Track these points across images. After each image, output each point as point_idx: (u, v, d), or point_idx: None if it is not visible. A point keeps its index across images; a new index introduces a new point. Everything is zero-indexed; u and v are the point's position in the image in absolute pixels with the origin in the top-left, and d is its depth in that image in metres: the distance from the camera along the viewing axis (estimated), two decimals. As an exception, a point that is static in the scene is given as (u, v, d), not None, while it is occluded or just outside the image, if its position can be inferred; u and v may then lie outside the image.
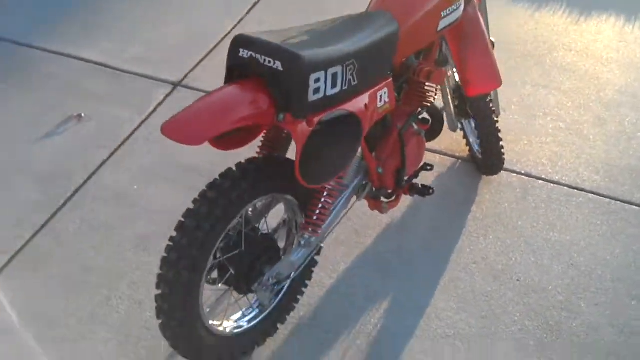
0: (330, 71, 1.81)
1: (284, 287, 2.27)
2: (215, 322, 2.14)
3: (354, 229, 2.78)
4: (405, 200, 2.94)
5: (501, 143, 3.08)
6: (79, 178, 2.94)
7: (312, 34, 1.91)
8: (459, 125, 2.94)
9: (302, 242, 2.12)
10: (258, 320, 2.25)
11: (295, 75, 1.73)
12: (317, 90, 1.79)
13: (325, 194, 2.11)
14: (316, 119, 1.84)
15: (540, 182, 3.09)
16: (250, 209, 2.09)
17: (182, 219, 1.86)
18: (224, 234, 1.90)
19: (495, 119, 2.84)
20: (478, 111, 2.78)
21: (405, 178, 2.46)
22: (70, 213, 2.77)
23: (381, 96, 2.08)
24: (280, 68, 1.73)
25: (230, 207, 1.86)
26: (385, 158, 2.32)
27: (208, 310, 2.12)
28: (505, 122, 3.33)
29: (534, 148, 3.28)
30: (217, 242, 1.89)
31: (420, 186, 2.46)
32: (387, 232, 2.79)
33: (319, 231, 2.13)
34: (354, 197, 2.36)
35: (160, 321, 1.93)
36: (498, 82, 2.53)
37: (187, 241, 1.84)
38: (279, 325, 2.32)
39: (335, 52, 1.84)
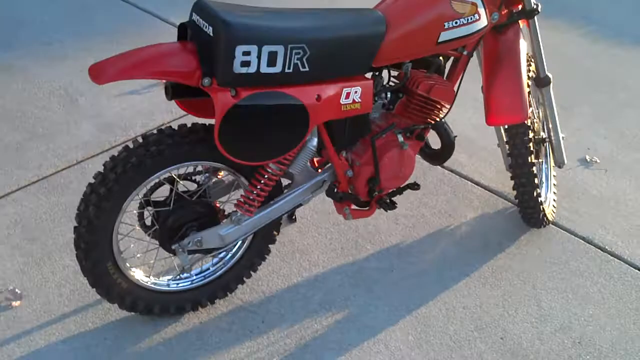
0: (267, 48, 1.79)
1: (225, 259, 2.26)
2: (136, 271, 2.15)
3: (355, 240, 2.66)
4: (424, 227, 2.75)
5: (549, 194, 2.77)
6: (132, 133, 3.16)
7: (274, 15, 1.89)
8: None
9: (233, 218, 2.09)
10: (187, 284, 2.24)
11: (221, 42, 1.74)
12: (245, 63, 1.77)
13: (266, 176, 2.06)
14: (246, 93, 1.82)
15: (601, 252, 2.72)
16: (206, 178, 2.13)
17: (106, 162, 1.95)
18: (136, 190, 1.95)
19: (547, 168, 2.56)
20: (512, 148, 2.51)
21: (389, 191, 2.32)
22: (104, 160, 2.98)
23: (348, 94, 2.00)
24: (211, 34, 1.76)
25: (142, 166, 1.92)
26: (358, 163, 2.21)
27: (139, 256, 2.17)
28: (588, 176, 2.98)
29: (611, 215, 2.89)
30: (128, 194, 1.94)
31: (387, 201, 2.29)
32: (387, 251, 2.62)
33: (252, 211, 2.09)
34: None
35: (76, 253, 2.03)
36: (522, 116, 2.27)
37: (102, 184, 1.92)
38: (217, 299, 2.29)
39: (276, 32, 1.80)
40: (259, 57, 1.79)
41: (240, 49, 1.76)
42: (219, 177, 2.18)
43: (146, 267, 2.25)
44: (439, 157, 2.38)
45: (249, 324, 2.28)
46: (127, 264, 2.11)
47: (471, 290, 2.49)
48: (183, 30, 1.87)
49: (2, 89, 3.42)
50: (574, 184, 3.11)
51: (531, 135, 2.48)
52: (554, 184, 2.92)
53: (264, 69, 1.81)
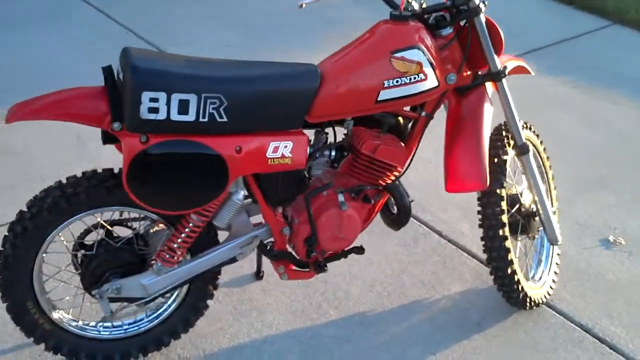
0: (177, 96, 1.76)
1: (159, 312, 2.19)
2: (60, 313, 2.11)
3: (319, 303, 2.49)
4: (400, 297, 2.56)
5: (547, 274, 2.53)
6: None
7: (195, 63, 1.87)
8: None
9: (154, 268, 2.03)
10: (120, 333, 2.17)
11: (128, 87, 1.74)
12: (154, 110, 1.75)
13: (186, 227, 2.00)
14: (156, 140, 1.80)
15: (598, 344, 2.44)
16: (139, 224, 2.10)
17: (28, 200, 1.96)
18: (55, 231, 1.94)
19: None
20: (483, 219, 2.31)
21: (332, 253, 2.19)
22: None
23: (277, 147, 1.92)
24: (122, 79, 1.77)
25: (56, 208, 1.90)
26: (297, 221, 2.09)
27: (67, 299, 2.18)
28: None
29: (622, 303, 2.59)
30: (45, 234, 1.93)
31: (320, 264, 2.15)
32: (351, 319, 2.44)
33: (172, 262, 2.02)
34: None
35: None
36: (479, 185, 2.10)
37: (19, 222, 1.92)
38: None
39: (188, 80, 1.78)
40: (167, 105, 1.76)
41: (147, 95, 1.74)
42: (160, 226, 2.14)
43: (75, 310, 2.21)
44: (394, 222, 2.23)
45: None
46: (51, 305, 2.08)
47: (439, 369, 2.28)
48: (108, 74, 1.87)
49: None
50: (587, 265, 2.81)
51: (504, 206, 2.27)
52: (557, 263, 2.66)
53: (175, 116, 1.78)
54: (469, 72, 2.15)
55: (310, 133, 2.06)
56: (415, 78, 1.97)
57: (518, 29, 4.82)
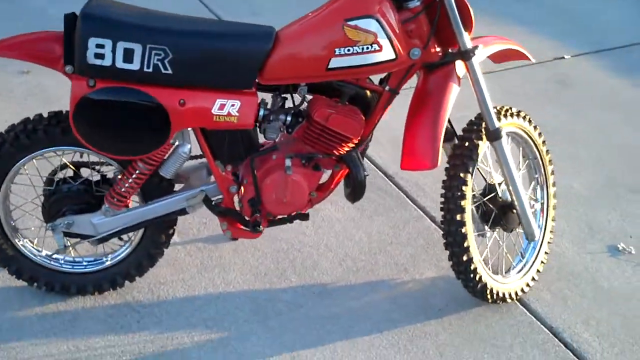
0: (122, 44, 1.86)
1: (116, 253, 2.31)
2: (24, 241, 2.27)
3: (284, 269, 2.52)
4: (368, 275, 2.54)
5: (527, 269, 2.45)
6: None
7: (145, 15, 1.96)
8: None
9: (103, 209, 2.15)
10: (80, 268, 2.31)
11: (77, 34, 1.87)
12: (99, 56, 1.87)
13: (133, 173, 2.10)
14: (102, 85, 1.91)
15: (562, 348, 2.32)
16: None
17: None
18: (19, 163, 2.10)
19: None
20: (444, 202, 2.24)
21: (278, 216, 2.21)
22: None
23: (223, 105, 1.97)
24: (75, 24, 1.89)
25: (17, 142, 2.06)
26: (245, 181, 2.14)
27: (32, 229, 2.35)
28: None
29: (607, 312, 2.44)
30: (10, 166, 2.10)
31: (256, 223, 2.17)
32: (310, 288, 2.45)
33: (119, 206, 2.13)
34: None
35: None
36: (428, 164, 2.06)
37: None
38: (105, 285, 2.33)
39: (134, 29, 1.88)
40: (113, 52, 1.87)
41: (93, 41, 1.86)
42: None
43: (41, 241, 2.37)
44: (349, 195, 2.22)
45: (124, 321, 2.29)
46: (15, 232, 2.26)
47: (372, 349, 2.25)
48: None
49: None
50: (583, 269, 2.64)
51: (466, 191, 2.19)
52: (542, 262, 2.53)
53: (120, 64, 1.88)
54: (438, 49, 2.09)
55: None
56: (368, 48, 1.95)
57: (602, 25, 4.56)
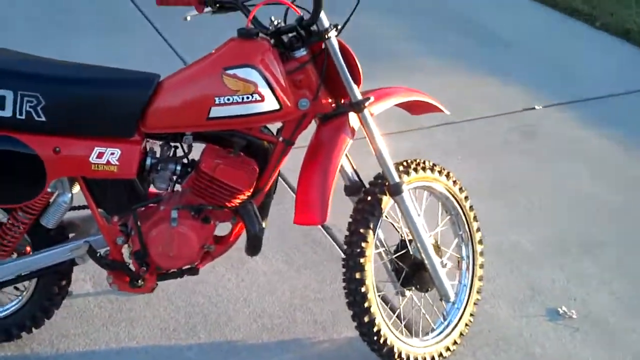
0: None
1: (10, 303, 2.23)
2: None
3: (194, 324, 2.41)
4: (282, 334, 2.42)
5: (448, 332, 2.30)
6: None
7: (22, 62, 1.93)
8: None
9: (-5, 256, 2.09)
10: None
11: None
12: None
13: (13, 223, 2.03)
14: None
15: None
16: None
17: None
18: None
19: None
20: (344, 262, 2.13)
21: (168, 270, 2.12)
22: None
23: (101, 154, 1.91)
24: None
25: None
26: (133, 233, 2.06)
27: None
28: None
29: None
30: None
31: (138, 276, 2.08)
32: (218, 347, 2.34)
33: (3, 255, 2.06)
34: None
35: None
36: (316, 220, 1.98)
37: None
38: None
39: (5, 76, 1.84)
40: None
41: None
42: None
43: None
44: (247, 249, 2.12)
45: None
46: None
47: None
48: None
49: None
50: (516, 333, 2.48)
51: (366, 248, 2.08)
52: (467, 324, 2.38)
53: None
54: (330, 100, 2.01)
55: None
56: (249, 98, 1.88)
57: (582, 73, 4.45)
